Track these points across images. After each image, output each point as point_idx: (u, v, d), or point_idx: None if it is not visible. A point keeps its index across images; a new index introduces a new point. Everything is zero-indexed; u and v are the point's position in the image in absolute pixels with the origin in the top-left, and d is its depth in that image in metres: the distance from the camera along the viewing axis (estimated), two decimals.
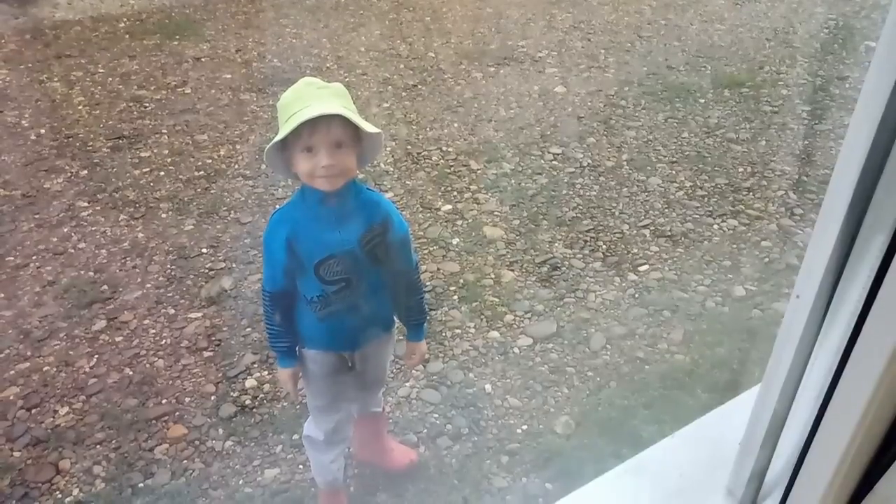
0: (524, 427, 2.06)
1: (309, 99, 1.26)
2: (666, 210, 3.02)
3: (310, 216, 1.37)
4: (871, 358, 0.50)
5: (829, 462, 0.57)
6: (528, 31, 5.15)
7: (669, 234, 2.87)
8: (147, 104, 4.25)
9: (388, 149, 3.67)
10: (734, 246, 2.78)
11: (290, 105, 1.27)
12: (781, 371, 0.61)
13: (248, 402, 2.16)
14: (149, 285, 2.68)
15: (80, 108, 4.05)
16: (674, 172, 3.30)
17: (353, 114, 1.28)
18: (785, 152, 3.47)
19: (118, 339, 2.41)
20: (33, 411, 2.15)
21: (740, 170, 3.30)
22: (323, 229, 1.36)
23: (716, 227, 2.90)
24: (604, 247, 2.81)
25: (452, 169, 3.45)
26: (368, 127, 1.29)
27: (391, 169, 3.47)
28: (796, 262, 2.68)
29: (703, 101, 3.99)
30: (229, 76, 4.61)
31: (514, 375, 2.22)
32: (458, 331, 2.41)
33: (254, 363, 2.29)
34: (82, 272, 2.73)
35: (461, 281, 2.66)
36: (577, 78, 4.29)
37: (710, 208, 3.02)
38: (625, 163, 3.39)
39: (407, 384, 2.18)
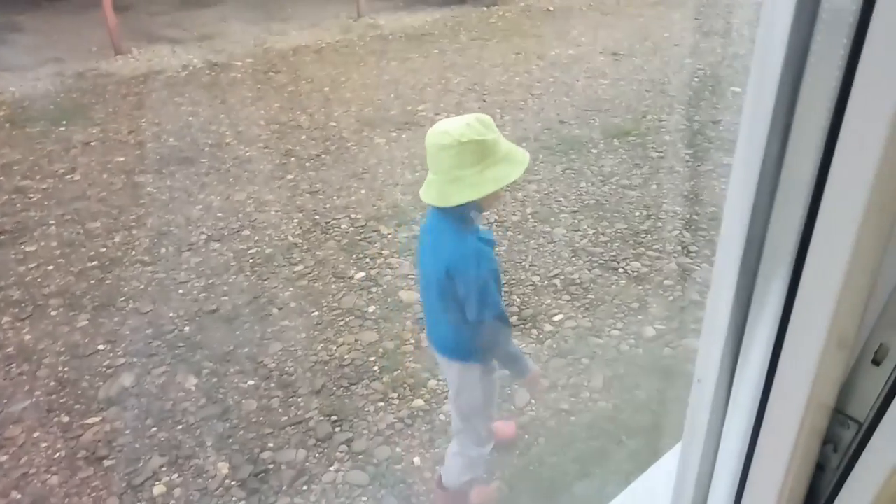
0: None
1: (501, 150, 1.40)
2: (573, 259, 3.12)
3: (485, 236, 1.53)
4: (785, 415, 0.49)
5: None
6: (425, 96, 5.31)
7: (579, 282, 2.95)
8: (32, 195, 4.00)
9: (296, 220, 3.61)
10: (640, 287, 2.89)
11: (482, 153, 1.38)
12: (699, 432, 0.61)
13: None
14: (38, 392, 2.45)
15: None
16: (576, 221, 3.43)
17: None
18: (675, 194, 3.70)
19: (3, 458, 2.17)
20: None
21: (637, 214, 3.47)
22: (489, 232, 1.59)
23: (621, 270, 3.02)
24: (518, 300, 2.85)
25: (363, 236, 3.43)
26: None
27: (300, 241, 3.41)
28: (698, 298, 2.81)
29: (595, 151, 4.21)
30: (122, 159, 4.44)
31: (442, 444, 2.17)
32: (381, 403, 2.34)
33: (161, 466, 2.11)
34: None
35: (380, 350, 2.60)
36: None
37: (614, 253, 3.15)
38: (529, 216, 3.50)
39: (331, 468, 2.08)
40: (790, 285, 0.45)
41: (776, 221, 0.48)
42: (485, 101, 5.10)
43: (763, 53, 0.46)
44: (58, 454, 2.19)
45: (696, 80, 5.39)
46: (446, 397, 2.35)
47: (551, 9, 8.26)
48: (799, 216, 0.45)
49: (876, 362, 0.46)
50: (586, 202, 3.61)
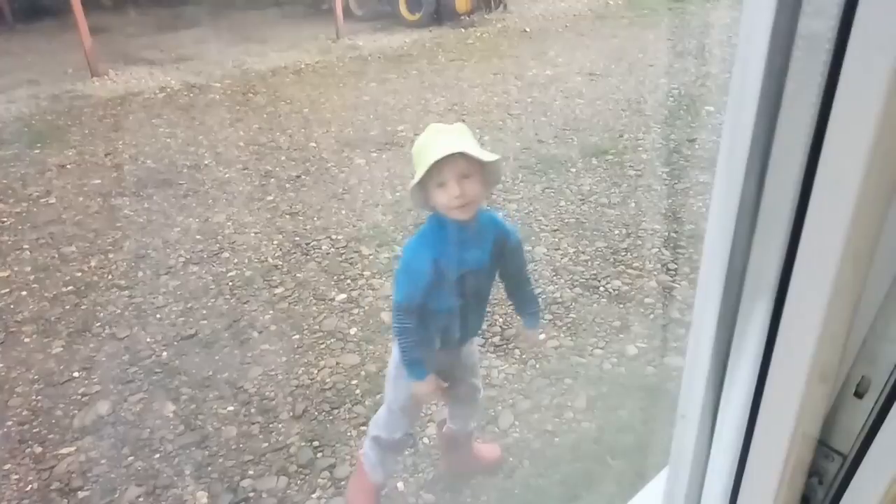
0: None
1: (436, 144, 1.46)
2: (554, 277, 3.13)
3: (452, 239, 1.55)
4: (770, 449, 0.50)
5: None
6: (405, 116, 5.34)
7: (560, 300, 2.96)
8: (5, 219, 3.93)
9: (276, 242, 3.59)
10: (621, 306, 2.91)
11: (422, 151, 1.48)
12: (685, 466, 0.61)
13: None
14: (10, 423, 2.38)
15: None
16: (557, 240, 3.45)
17: (474, 146, 1.47)
18: (653, 212, 3.74)
19: None
20: None
21: (616, 232, 3.51)
22: (464, 249, 1.57)
23: (602, 289, 3.04)
24: (501, 320, 2.84)
25: (344, 257, 3.41)
26: (487, 156, 1.48)
27: (280, 263, 3.38)
28: (678, 316, 2.84)
29: (574, 170, 4.25)
30: (98, 182, 4.38)
31: (426, 468, 2.15)
32: (363, 428, 2.31)
33: (138, 497, 2.06)
34: None
35: (363, 373, 2.58)
36: None
37: (595, 272, 3.17)
38: None
39: (313, 496, 2.04)
40: (772, 320, 0.46)
41: (757, 255, 0.48)
42: (464, 121, 5.12)
43: (741, 79, 0.47)
44: (30, 486, 2.12)
45: (671, 99, 5.49)
46: (429, 421, 2.34)
47: (528, 30, 8.39)
48: (780, 250, 0.46)
49: (858, 395, 0.46)
50: (566, 221, 3.64)
